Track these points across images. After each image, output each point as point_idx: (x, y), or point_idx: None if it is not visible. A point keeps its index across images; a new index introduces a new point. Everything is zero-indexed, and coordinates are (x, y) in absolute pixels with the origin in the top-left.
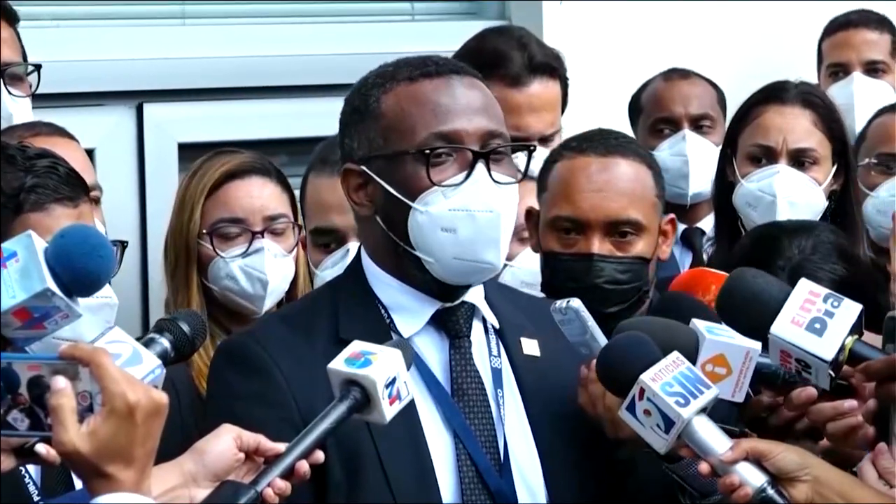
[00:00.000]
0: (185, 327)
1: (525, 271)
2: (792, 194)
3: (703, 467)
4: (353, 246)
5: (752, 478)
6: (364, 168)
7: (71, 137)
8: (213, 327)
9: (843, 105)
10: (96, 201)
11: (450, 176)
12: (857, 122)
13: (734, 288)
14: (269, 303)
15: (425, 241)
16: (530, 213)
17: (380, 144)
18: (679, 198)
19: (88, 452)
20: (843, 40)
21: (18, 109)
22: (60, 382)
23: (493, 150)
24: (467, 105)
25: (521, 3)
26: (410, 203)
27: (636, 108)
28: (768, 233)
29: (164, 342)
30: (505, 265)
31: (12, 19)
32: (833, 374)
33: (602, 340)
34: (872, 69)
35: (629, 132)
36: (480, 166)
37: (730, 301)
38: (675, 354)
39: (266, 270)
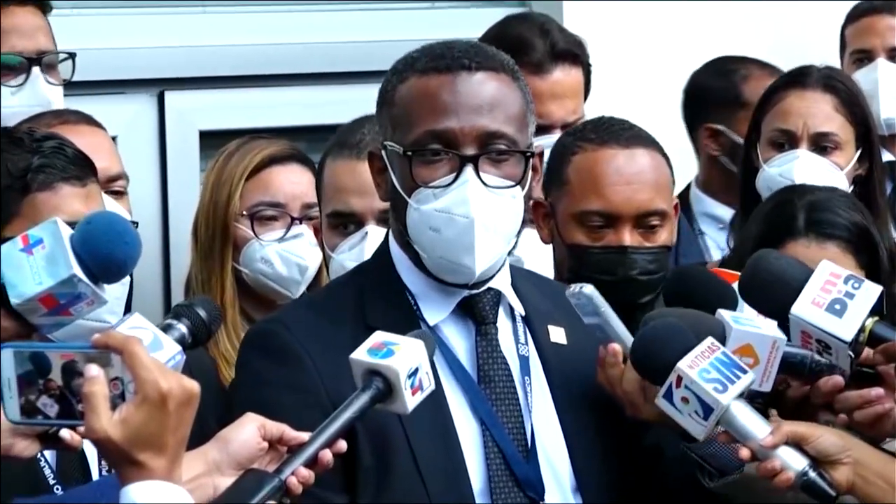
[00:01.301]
0: (202, 313)
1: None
2: (812, 179)
3: (744, 452)
4: (370, 229)
5: (793, 462)
6: (382, 153)
7: (98, 125)
8: (238, 315)
9: (867, 91)
10: (122, 191)
11: (441, 176)
12: (882, 108)
13: (756, 269)
14: (302, 288)
15: (419, 237)
16: (537, 206)
17: (390, 134)
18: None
19: (120, 440)
20: (868, 26)
21: (54, 97)
22: (93, 370)
23: (482, 153)
24: (468, 103)
25: None
26: (407, 198)
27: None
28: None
29: (182, 328)
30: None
31: (45, 8)
32: (853, 355)
33: (616, 324)
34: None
35: (651, 118)
36: (469, 170)
37: (752, 282)
38: (710, 340)
39: (304, 255)
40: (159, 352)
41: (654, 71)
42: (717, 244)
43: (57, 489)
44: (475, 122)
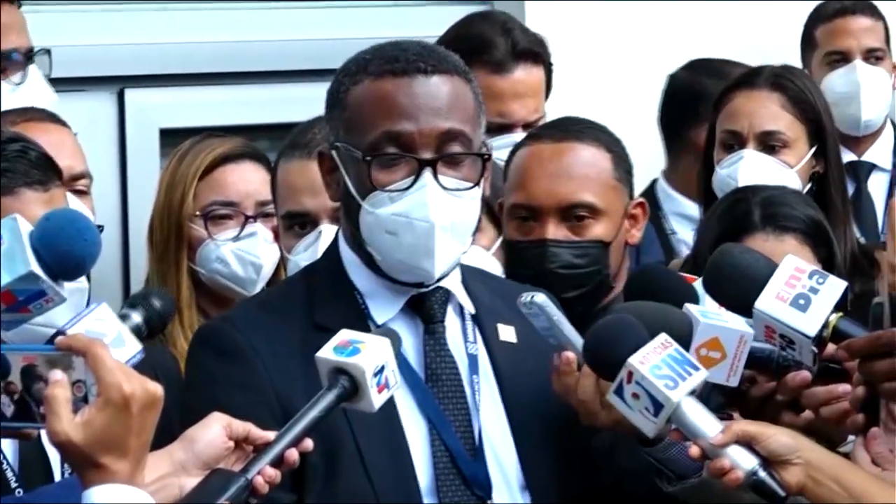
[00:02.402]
0: (158, 304)
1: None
2: (758, 178)
3: (693, 450)
4: (325, 228)
5: (742, 461)
6: (333, 153)
7: (63, 123)
8: (196, 314)
9: (846, 93)
10: (86, 190)
11: (398, 179)
12: (863, 109)
13: (720, 263)
14: (259, 286)
15: (373, 239)
16: (501, 207)
17: (342, 136)
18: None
19: (82, 443)
20: (842, 27)
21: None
22: (57, 374)
23: (440, 157)
24: (425, 105)
25: None
26: (360, 202)
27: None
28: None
29: (138, 318)
30: None
31: (18, 3)
32: (816, 350)
33: (569, 332)
34: (872, 56)
35: (612, 117)
36: (427, 174)
37: (716, 276)
38: (664, 336)
39: (259, 254)
40: (121, 349)
41: (617, 69)
42: (687, 244)
43: (18, 491)
44: (433, 124)
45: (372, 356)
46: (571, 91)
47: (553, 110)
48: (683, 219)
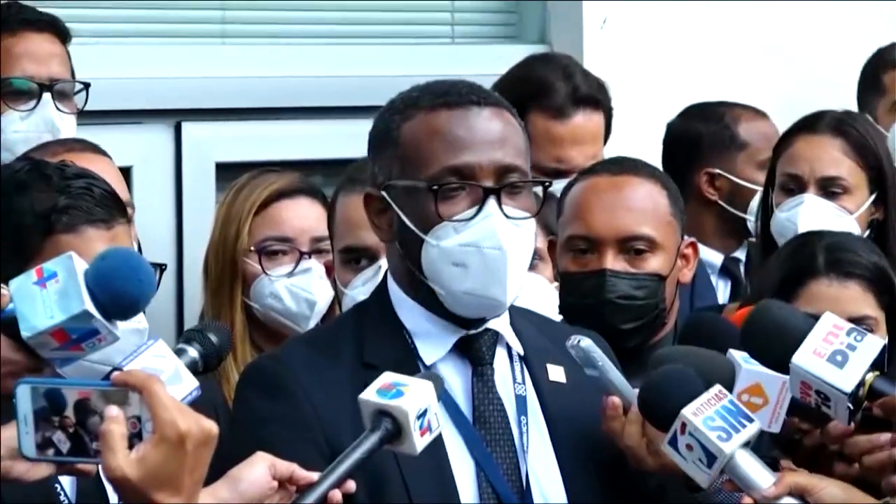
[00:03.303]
0: (214, 339)
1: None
2: (817, 223)
3: (746, 501)
4: (384, 263)
5: None
6: (383, 194)
7: (104, 154)
8: (251, 349)
9: None
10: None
11: (461, 210)
12: None
13: (759, 318)
14: (312, 322)
15: (437, 274)
16: (553, 245)
17: (397, 173)
18: None
19: (137, 479)
20: None
21: (65, 125)
22: (113, 410)
23: (504, 185)
24: (483, 138)
25: (561, 26)
26: (423, 236)
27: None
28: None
29: (194, 353)
30: None
31: (65, 37)
32: (851, 407)
33: (615, 377)
34: None
35: (666, 158)
36: (492, 202)
37: (754, 330)
38: (718, 388)
39: (313, 290)
40: (177, 385)
41: (674, 108)
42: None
43: None
44: (492, 156)
45: (415, 399)
46: (626, 130)
47: (614, 151)
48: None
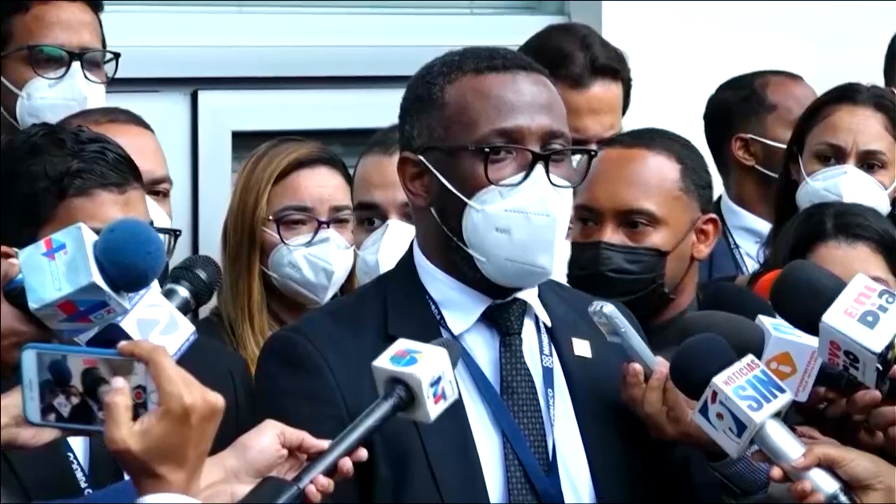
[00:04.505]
0: (203, 274)
1: None
2: (858, 196)
3: (776, 472)
4: (392, 223)
5: (824, 484)
6: (422, 158)
7: (146, 127)
8: (268, 318)
9: None
10: (165, 193)
11: (508, 175)
12: None
13: (790, 277)
14: (330, 293)
15: (479, 240)
16: None
17: (440, 135)
18: None
19: (139, 451)
20: None
21: (93, 94)
22: (119, 381)
23: (553, 151)
24: (531, 102)
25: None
26: (467, 200)
27: None
28: (815, 205)
29: (185, 293)
30: None
31: (97, 5)
32: (881, 368)
33: (637, 344)
34: None
35: (689, 127)
36: (539, 168)
37: (784, 289)
38: (750, 357)
39: (331, 260)
40: (174, 334)
41: (693, 80)
42: (753, 258)
43: (88, 491)
44: (539, 121)
45: (429, 366)
46: (646, 102)
47: (633, 124)
48: (746, 232)
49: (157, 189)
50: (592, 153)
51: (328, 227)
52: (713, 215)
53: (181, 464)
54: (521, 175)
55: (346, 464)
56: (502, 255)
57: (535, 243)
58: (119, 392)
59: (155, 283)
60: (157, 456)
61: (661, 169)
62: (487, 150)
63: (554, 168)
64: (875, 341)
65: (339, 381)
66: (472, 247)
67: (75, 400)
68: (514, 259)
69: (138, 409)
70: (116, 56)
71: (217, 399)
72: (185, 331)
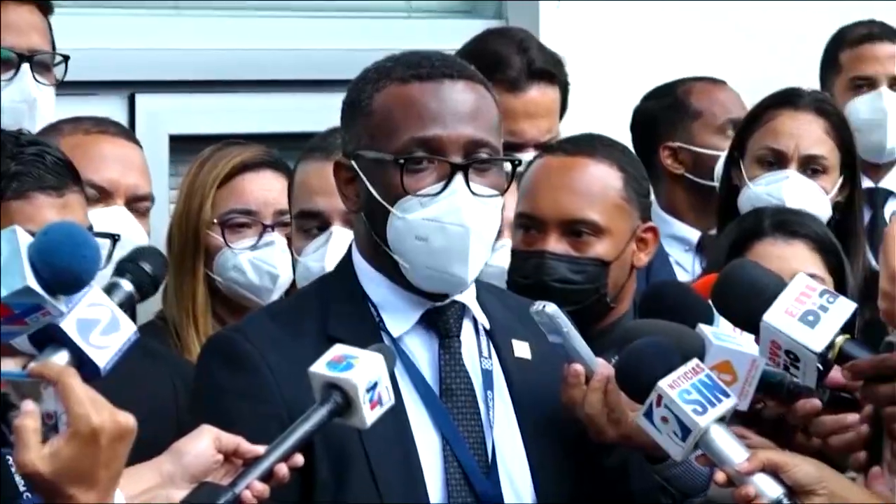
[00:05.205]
0: (148, 267)
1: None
2: (800, 201)
3: (720, 476)
4: (336, 230)
5: (768, 489)
6: (353, 163)
7: (135, 142)
8: (213, 322)
9: (872, 119)
10: (145, 212)
11: (428, 184)
12: (889, 136)
13: (730, 276)
14: (275, 296)
15: (402, 247)
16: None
17: (367, 143)
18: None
19: (49, 473)
20: (870, 53)
21: (42, 97)
22: (28, 404)
23: (475, 161)
24: (454, 111)
25: (517, 3)
26: (389, 207)
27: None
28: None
29: (129, 286)
30: None
31: (46, 8)
32: (821, 369)
33: (579, 345)
34: (894, 83)
35: (627, 132)
36: (459, 178)
37: (725, 288)
38: (695, 361)
39: (276, 263)
40: (116, 333)
41: (630, 84)
42: (682, 267)
43: (27, 495)
44: (461, 130)
45: (365, 372)
46: (583, 107)
47: (570, 128)
48: (675, 241)
49: (139, 207)
50: (517, 162)
51: (273, 230)
52: (652, 224)
53: (92, 485)
54: (441, 185)
55: (282, 469)
56: (422, 263)
57: (450, 253)
58: (28, 415)
59: (97, 281)
60: (66, 478)
61: (604, 178)
62: (402, 161)
63: (478, 177)
64: (816, 341)
65: (278, 380)
66: (396, 253)
67: None
68: (432, 267)
69: (49, 433)
70: (66, 59)
71: (127, 419)
72: (126, 330)
